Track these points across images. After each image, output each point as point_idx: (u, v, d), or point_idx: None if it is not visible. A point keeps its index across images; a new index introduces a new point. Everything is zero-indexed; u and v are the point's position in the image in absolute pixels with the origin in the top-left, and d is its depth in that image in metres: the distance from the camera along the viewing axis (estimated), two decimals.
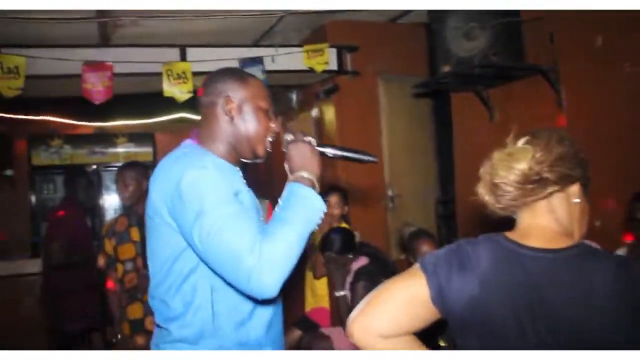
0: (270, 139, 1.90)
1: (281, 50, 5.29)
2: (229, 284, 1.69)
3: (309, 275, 4.35)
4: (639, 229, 2.92)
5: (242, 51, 5.18)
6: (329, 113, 5.91)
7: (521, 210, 1.53)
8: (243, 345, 1.77)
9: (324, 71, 5.44)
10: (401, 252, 5.00)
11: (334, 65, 5.54)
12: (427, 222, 5.74)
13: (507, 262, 1.44)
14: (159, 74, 4.79)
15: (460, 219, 5.31)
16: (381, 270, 3.71)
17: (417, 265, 1.49)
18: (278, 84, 6.26)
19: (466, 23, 4.13)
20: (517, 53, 4.15)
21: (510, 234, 1.51)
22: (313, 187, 1.74)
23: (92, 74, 4.66)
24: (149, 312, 3.55)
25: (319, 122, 6.10)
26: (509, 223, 1.61)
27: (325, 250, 3.74)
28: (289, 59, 5.33)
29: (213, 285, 1.74)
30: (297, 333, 4.06)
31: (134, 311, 3.72)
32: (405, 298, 1.43)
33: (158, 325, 1.85)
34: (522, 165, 1.47)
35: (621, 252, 3.09)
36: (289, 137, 1.83)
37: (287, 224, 1.64)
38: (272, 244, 1.57)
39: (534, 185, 1.46)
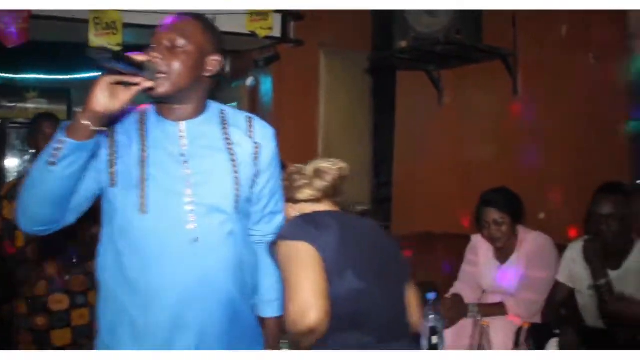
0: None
1: (222, 9, 4.86)
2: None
3: None
4: (600, 223, 2.77)
5: (182, 3, 4.71)
6: (266, 83, 5.57)
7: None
8: None
9: (266, 37, 5.09)
10: None
11: (277, 32, 5.18)
12: (361, 204, 5.52)
13: (345, 221, 1.94)
14: (85, 22, 4.27)
15: (396, 203, 5.12)
16: None
17: (292, 242, 1.80)
18: None
19: None
20: (477, 34, 3.97)
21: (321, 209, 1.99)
22: (72, 123, 1.52)
23: (5, 13, 4.10)
24: (55, 289, 3.22)
25: (254, 92, 5.75)
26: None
27: None
28: (229, 21, 4.92)
29: None
30: None
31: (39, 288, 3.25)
32: (315, 269, 1.74)
33: None
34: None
35: (577, 245, 2.96)
36: None
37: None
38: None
39: None
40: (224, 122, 1.83)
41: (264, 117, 1.89)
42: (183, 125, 1.76)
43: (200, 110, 1.80)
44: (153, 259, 1.68)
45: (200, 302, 1.71)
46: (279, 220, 2.00)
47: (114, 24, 4.25)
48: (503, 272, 3.11)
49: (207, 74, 1.76)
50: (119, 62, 1.43)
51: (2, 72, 6.79)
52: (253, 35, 5.01)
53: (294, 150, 5.25)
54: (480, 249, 3.26)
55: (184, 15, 1.74)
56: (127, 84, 1.50)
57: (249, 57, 5.67)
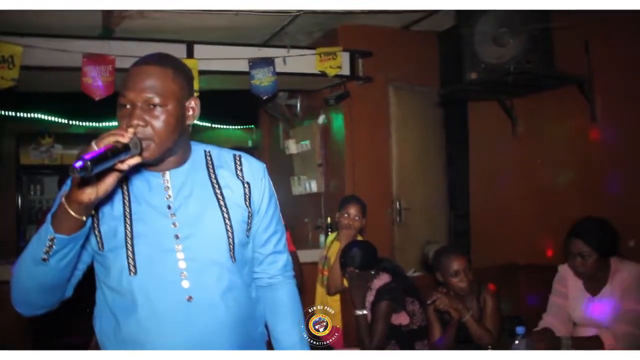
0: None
1: (292, 52, 5.01)
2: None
3: (319, 290, 4.05)
4: None
5: (253, 50, 4.90)
6: (337, 120, 5.65)
7: None
8: None
9: (337, 76, 5.20)
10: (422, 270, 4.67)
11: (346, 71, 5.28)
12: (437, 238, 5.47)
13: None
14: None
15: (475, 235, 5.05)
16: (404, 287, 3.44)
17: None
18: (288, 89, 6.00)
19: (495, 28, 3.89)
20: (549, 61, 3.91)
21: None
22: (57, 215, 1.38)
23: (92, 67, 4.36)
24: None
25: (326, 129, 5.84)
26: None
27: (346, 265, 3.45)
28: (300, 62, 5.07)
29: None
30: None
31: None
32: None
33: None
34: None
35: None
36: None
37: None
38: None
39: None
40: (210, 165, 1.71)
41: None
42: (167, 175, 1.64)
43: (184, 157, 1.67)
44: (148, 321, 1.57)
45: None
46: (283, 260, 1.86)
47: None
48: (595, 305, 2.99)
49: (189, 122, 1.64)
50: (104, 163, 1.25)
51: (88, 121, 7.20)
52: (323, 74, 5.13)
53: (368, 186, 5.32)
54: (568, 280, 3.13)
55: (150, 63, 1.57)
56: (112, 168, 1.34)
57: (320, 96, 5.80)
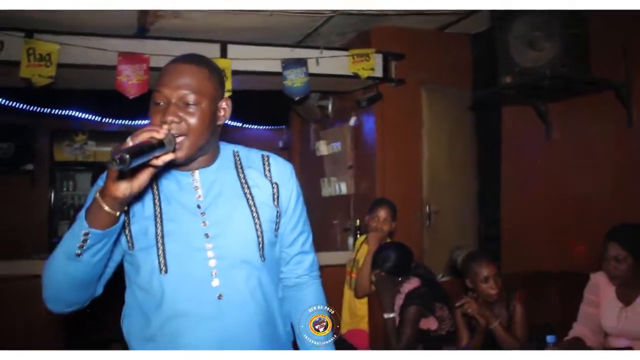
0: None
1: (325, 53, 5.01)
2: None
3: (347, 293, 4.04)
4: None
5: (285, 51, 4.92)
6: (369, 122, 5.63)
7: None
8: None
9: (369, 78, 5.18)
10: (450, 275, 4.62)
11: (379, 72, 5.26)
12: (466, 242, 5.41)
13: None
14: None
15: (505, 241, 4.98)
16: (434, 293, 3.42)
17: None
18: (320, 90, 6.00)
19: (531, 31, 3.83)
20: (585, 66, 3.83)
21: None
22: (92, 210, 1.39)
23: (127, 66, 4.41)
24: None
25: (357, 131, 5.82)
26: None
27: (376, 267, 3.43)
28: (332, 63, 5.06)
29: None
30: None
31: None
32: None
33: None
34: None
35: None
36: None
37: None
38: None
39: None
40: (238, 165, 1.73)
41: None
42: (196, 174, 1.66)
43: (214, 157, 1.69)
44: (178, 319, 1.58)
45: None
46: (309, 260, 1.87)
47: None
48: (628, 314, 2.94)
49: (220, 122, 1.66)
50: (141, 157, 1.27)
51: (121, 119, 7.31)
52: (356, 76, 5.12)
53: (398, 188, 5.29)
54: (600, 288, 3.07)
55: (186, 62, 1.60)
56: (147, 164, 1.36)
57: (352, 98, 5.78)
